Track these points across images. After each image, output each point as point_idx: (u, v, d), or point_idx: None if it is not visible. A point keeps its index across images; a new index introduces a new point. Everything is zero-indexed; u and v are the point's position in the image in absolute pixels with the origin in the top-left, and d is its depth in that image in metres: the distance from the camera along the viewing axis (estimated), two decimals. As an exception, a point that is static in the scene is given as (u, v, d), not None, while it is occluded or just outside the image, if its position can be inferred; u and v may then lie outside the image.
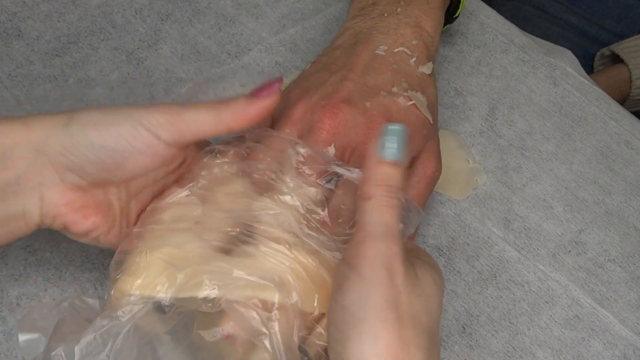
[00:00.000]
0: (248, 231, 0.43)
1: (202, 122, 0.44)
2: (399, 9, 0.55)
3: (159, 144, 0.43)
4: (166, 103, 0.45)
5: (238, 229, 0.44)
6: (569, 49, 0.71)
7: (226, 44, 0.66)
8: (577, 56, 0.70)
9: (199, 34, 0.67)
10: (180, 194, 0.46)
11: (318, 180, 0.46)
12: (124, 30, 0.66)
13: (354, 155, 0.48)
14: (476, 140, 0.63)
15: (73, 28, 0.66)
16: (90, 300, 0.45)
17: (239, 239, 0.43)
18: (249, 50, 0.66)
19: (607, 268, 0.57)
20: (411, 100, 0.51)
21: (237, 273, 0.42)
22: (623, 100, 0.94)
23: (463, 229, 0.58)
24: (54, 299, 0.50)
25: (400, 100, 0.50)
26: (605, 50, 0.96)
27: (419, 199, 0.51)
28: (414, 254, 0.43)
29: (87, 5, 0.67)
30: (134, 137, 0.42)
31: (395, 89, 0.51)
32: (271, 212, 0.44)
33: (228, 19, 0.68)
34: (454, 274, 0.56)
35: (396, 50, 0.53)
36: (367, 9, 0.57)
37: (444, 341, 0.53)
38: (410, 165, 0.51)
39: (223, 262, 0.42)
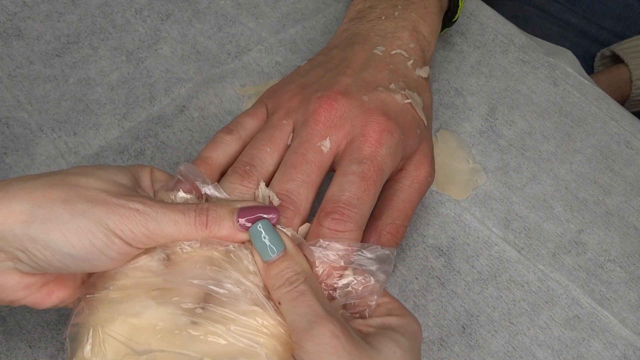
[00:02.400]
0: (215, 304, 0.40)
1: (180, 235, 0.41)
2: (396, 13, 0.55)
3: (132, 250, 0.40)
4: (139, 201, 0.40)
5: (203, 303, 0.40)
6: (569, 49, 0.71)
7: (226, 44, 0.66)
8: (577, 56, 0.70)
9: (199, 34, 0.67)
10: (143, 261, 0.42)
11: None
12: (124, 30, 0.66)
13: (351, 147, 0.47)
14: (476, 140, 0.63)
15: (73, 28, 0.66)
16: None
17: (205, 316, 0.40)
18: (249, 50, 0.66)
19: (607, 268, 0.57)
20: (408, 98, 0.50)
21: None
22: (623, 100, 0.94)
23: (463, 229, 0.58)
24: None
25: (398, 97, 0.50)
26: (606, 51, 0.96)
27: (409, 203, 0.50)
28: (367, 323, 0.42)
29: (87, 5, 0.67)
30: (107, 247, 0.39)
31: (392, 86, 0.50)
32: (241, 288, 0.41)
33: (228, 19, 0.68)
34: (454, 274, 0.56)
35: (393, 52, 0.53)
36: (364, 11, 0.56)
37: (443, 341, 0.53)
38: (403, 168, 0.51)
39: (190, 346, 0.39)
